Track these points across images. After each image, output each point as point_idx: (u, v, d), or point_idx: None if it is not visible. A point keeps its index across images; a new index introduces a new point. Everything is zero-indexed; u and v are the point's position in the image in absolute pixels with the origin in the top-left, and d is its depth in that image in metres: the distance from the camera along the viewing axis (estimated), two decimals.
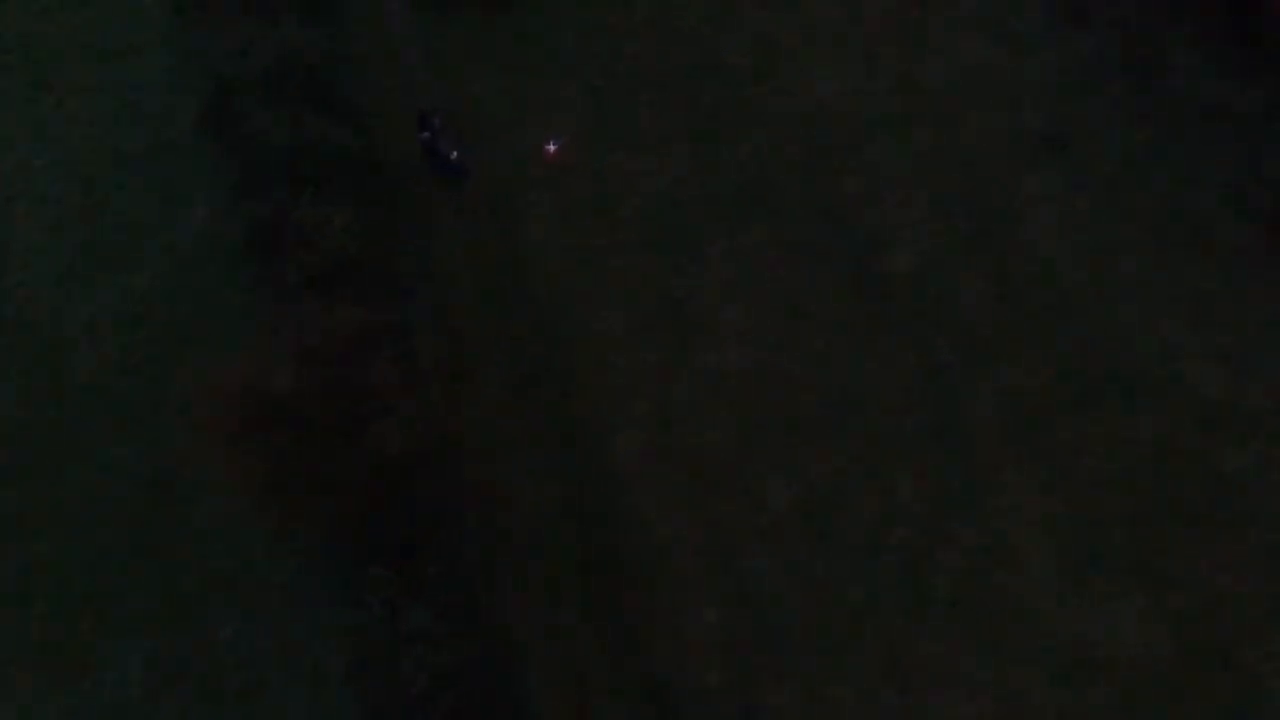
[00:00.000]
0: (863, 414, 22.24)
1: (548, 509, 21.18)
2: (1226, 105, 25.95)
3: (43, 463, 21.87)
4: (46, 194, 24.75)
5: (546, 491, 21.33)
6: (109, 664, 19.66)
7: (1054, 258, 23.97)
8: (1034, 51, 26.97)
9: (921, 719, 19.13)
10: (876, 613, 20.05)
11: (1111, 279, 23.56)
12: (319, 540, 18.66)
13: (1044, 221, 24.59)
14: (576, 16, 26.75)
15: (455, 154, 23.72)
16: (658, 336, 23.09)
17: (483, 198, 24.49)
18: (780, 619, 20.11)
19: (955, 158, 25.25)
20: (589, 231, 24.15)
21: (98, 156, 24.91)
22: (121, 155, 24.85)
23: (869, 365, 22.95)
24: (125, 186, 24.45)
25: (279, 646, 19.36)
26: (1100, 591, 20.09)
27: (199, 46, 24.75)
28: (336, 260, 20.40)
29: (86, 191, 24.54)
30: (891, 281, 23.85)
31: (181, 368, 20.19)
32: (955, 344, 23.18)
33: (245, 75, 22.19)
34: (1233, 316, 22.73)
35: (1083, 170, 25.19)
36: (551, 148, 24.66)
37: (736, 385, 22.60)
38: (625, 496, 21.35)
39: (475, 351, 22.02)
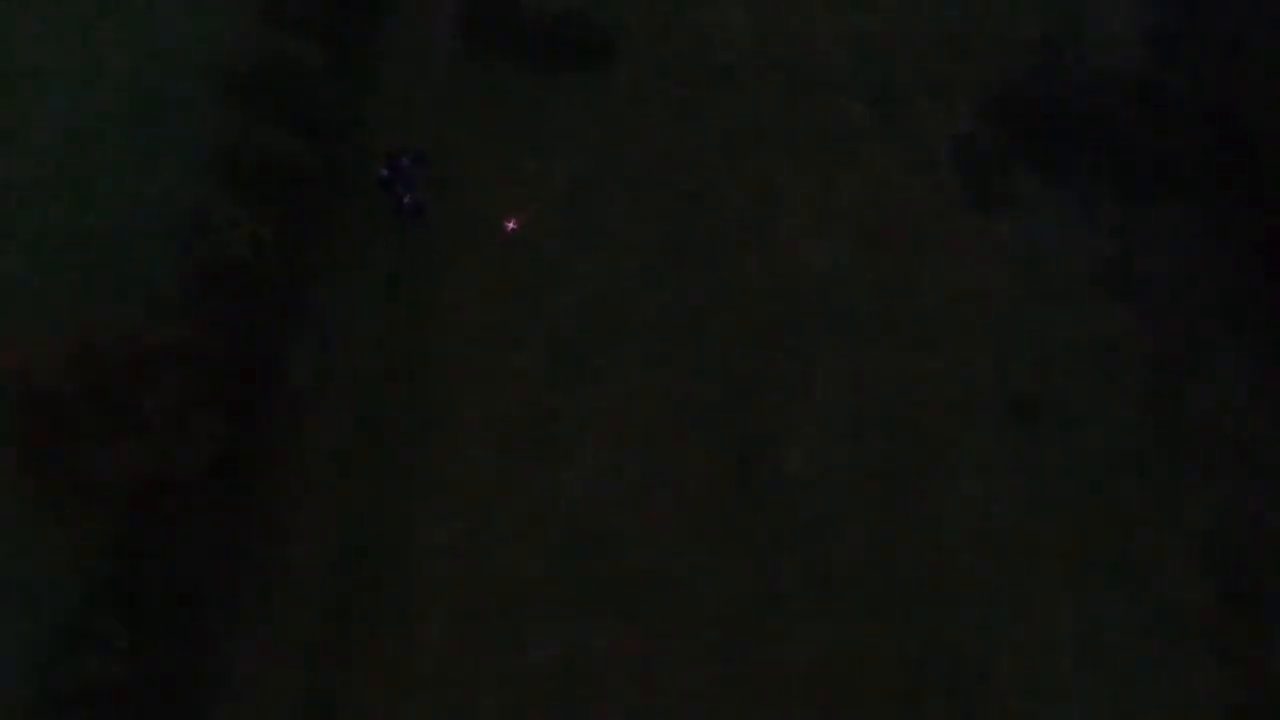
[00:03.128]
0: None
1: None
2: (1242, 448, 22.79)
3: None
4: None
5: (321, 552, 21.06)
6: None
7: (959, 544, 21.69)
8: (1061, 304, 24.50)
9: None
10: None
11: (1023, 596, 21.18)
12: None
13: (968, 492, 22.20)
14: (613, 103, 26.35)
15: (408, 198, 23.79)
16: (512, 446, 22.33)
17: (420, 248, 24.40)
18: None
19: (903, 387, 23.22)
20: (494, 322, 23.57)
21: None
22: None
23: (710, 562, 21.38)
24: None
25: None
26: None
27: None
28: (229, 260, 20.81)
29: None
30: (778, 481, 22.17)
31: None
32: (804, 574, 21.28)
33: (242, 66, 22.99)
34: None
35: (1036, 452, 22.64)
36: (512, 224, 24.39)
37: (567, 510, 21.67)
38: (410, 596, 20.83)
39: (316, 394, 22.04)
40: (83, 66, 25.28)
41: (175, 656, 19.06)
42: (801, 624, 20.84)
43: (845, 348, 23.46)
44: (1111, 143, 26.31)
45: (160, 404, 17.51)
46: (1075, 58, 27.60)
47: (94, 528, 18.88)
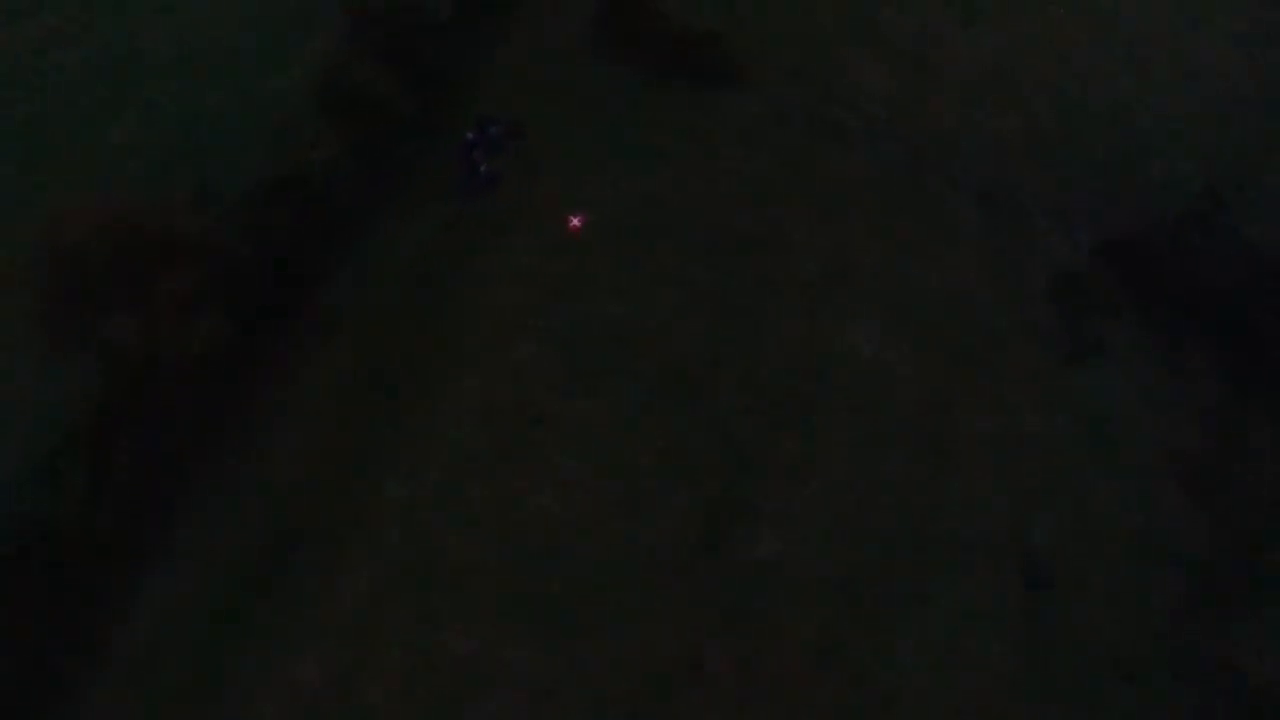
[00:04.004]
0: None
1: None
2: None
3: None
4: None
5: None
6: None
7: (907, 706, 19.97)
8: (1117, 473, 22.28)
9: None
10: None
11: None
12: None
13: (938, 648, 20.35)
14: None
15: (484, 166, 23.95)
16: (495, 434, 22.07)
17: (477, 218, 24.45)
18: None
19: (908, 506, 21.56)
20: (518, 307, 22.96)
21: None
22: None
23: (649, 611, 20.51)
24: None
25: None
26: None
27: None
28: (297, 175, 21.56)
29: None
30: (744, 557, 21.03)
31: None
32: (734, 661, 20.05)
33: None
34: None
35: (1032, 627, 20.54)
36: (577, 221, 24.18)
37: (530, 514, 21.23)
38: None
39: (332, 327, 22.37)
40: None
41: (122, 518, 19.79)
42: (712, 712, 19.70)
43: (859, 445, 22.02)
44: (1235, 324, 23.71)
45: (172, 289, 18.19)
46: (1229, 222, 25.03)
47: (89, 384, 19.86)
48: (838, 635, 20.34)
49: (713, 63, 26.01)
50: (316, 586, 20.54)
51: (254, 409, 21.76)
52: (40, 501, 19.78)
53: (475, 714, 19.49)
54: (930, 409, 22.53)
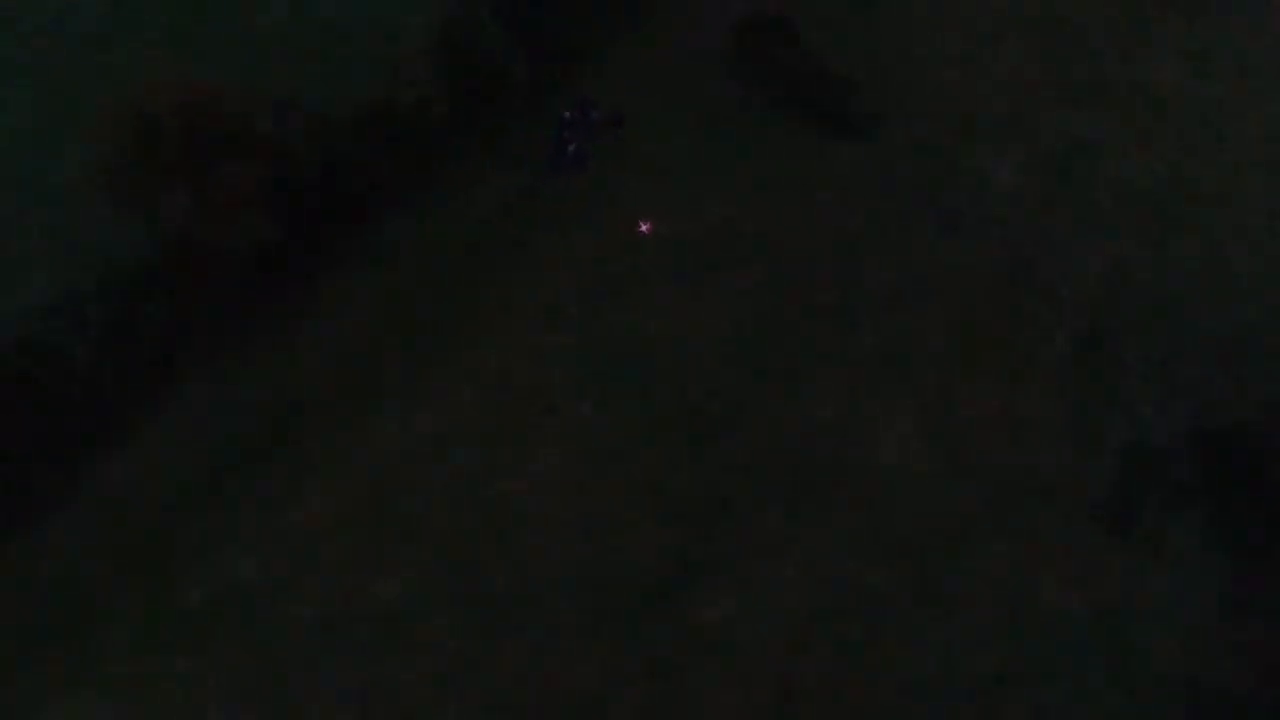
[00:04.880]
0: None
1: None
2: None
3: None
4: None
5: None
6: None
7: None
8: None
9: None
10: None
11: None
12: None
13: None
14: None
15: (574, 146, 23.37)
16: (484, 410, 21.58)
17: (553, 195, 23.82)
18: None
19: (871, 602, 19.70)
20: (550, 304, 22.49)
21: None
22: None
23: (571, 629, 19.65)
24: None
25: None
26: None
27: None
28: (394, 107, 21.70)
29: None
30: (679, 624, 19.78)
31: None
32: (636, 699, 18.88)
33: None
34: None
35: None
36: (646, 227, 23.38)
37: (493, 494, 20.72)
38: None
39: (380, 264, 22.33)
40: None
41: (128, 372, 20.40)
42: None
43: (847, 547, 20.39)
44: None
45: (228, 179, 18.45)
46: None
47: (136, 246, 20.54)
48: None
49: (841, 109, 24.46)
50: (282, 499, 20.68)
51: (285, 313, 22.08)
52: (59, 334, 20.58)
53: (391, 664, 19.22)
54: (938, 536, 20.54)
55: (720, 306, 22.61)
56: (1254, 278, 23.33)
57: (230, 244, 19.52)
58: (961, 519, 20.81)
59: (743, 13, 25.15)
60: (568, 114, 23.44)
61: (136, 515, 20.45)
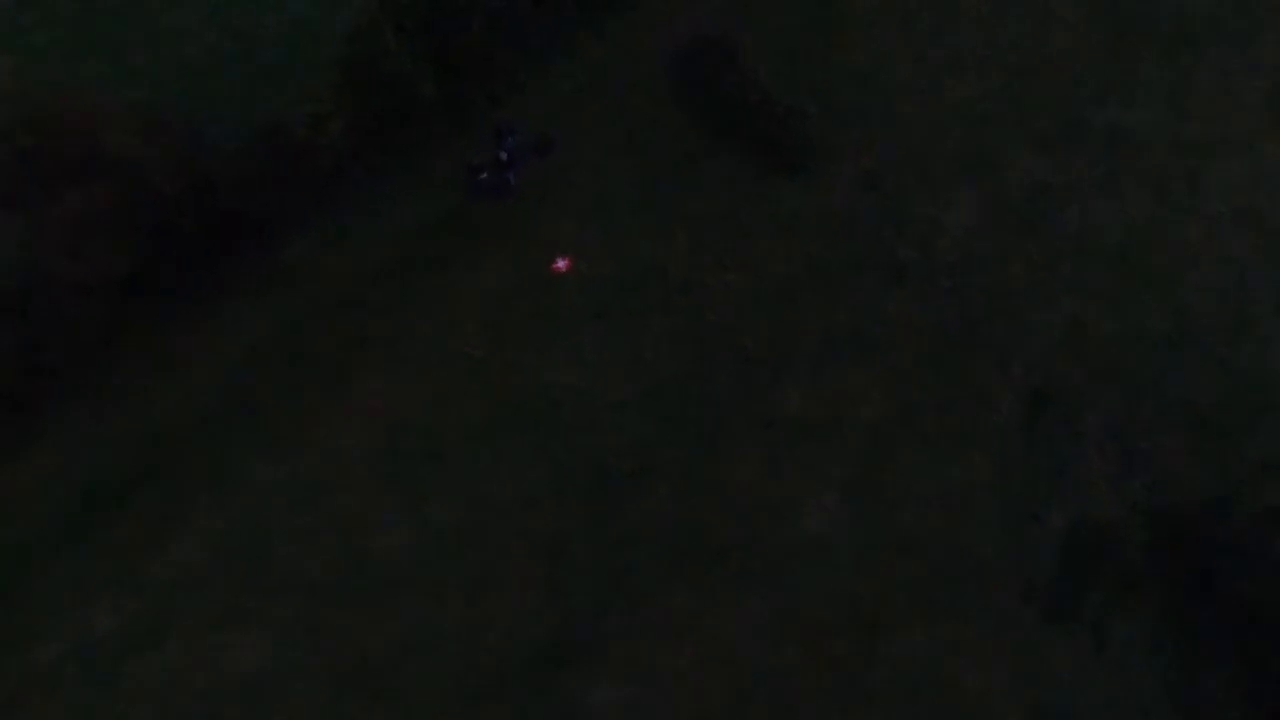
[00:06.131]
0: None
1: None
2: None
3: None
4: None
5: None
6: None
7: None
8: None
9: None
10: None
11: None
12: None
13: None
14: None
15: (485, 175, 21.78)
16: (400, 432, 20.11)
17: (473, 213, 22.22)
18: None
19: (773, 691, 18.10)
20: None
21: None
22: None
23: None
24: None
25: None
26: None
27: None
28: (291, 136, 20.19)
29: None
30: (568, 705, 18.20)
31: None
32: None
33: None
34: None
35: None
36: (562, 264, 21.73)
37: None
38: None
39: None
40: None
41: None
42: None
43: (760, 627, 18.78)
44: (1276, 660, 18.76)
45: (79, 209, 17.05)
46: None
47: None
48: None
49: (788, 143, 22.72)
50: (146, 545, 19.22)
51: (160, 342, 20.55)
52: None
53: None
54: (859, 617, 18.86)
55: (637, 354, 20.91)
56: (1223, 343, 21.48)
57: (74, 275, 17.99)
58: (885, 599, 19.12)
59: (684, 37, 23.45)
60: (500, 136, 21.83)
61: None
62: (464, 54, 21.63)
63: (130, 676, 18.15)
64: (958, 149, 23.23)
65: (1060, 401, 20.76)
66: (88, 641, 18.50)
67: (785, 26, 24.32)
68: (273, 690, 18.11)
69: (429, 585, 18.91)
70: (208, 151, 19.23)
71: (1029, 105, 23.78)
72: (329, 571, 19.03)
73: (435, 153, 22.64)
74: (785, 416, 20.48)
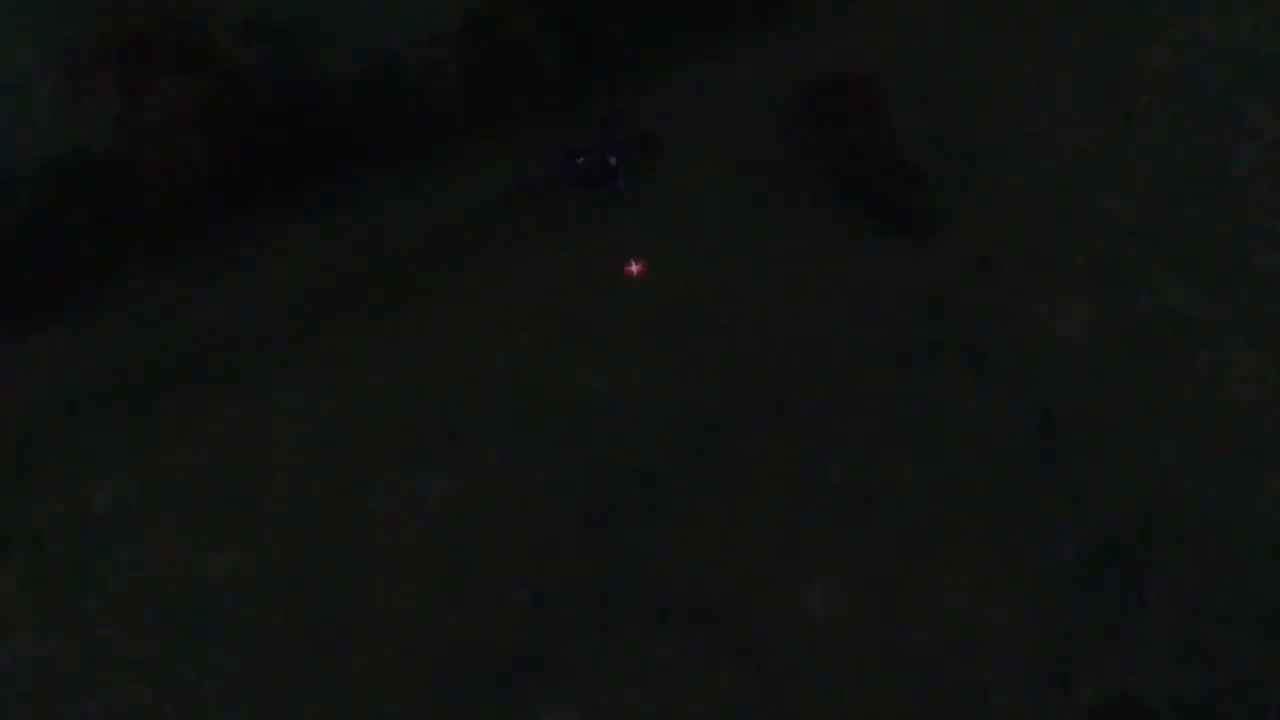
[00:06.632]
0: None
1: None
2: None
3: None
4: None
5: None
6: None
7: None
8: None
9: None
10: None
11: None
12: None
13: None
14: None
15: (582, 159, 21.02)
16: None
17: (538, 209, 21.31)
18: None
19: None
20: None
21: None
22: None
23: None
24: None
25: None
26: None
27: None
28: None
29: None
30: None
31: None
32: None
33: None
34: None
35: None
36: (634, 268, 20.71)
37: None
38: None
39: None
40: None
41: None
42: None
43: (713, 689, 17.00)
44: None
45: (174, 99, 17.13)
46: None
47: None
48: None
49: (902, 205, 20.99)
50: (157, 438, 19.25)
51: (227, 245, 20.66)
52: None
53: None
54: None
55: (682, 380, 19.61)
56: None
57: (159, 161, 18.07)
58: (868, 716, 17.07)
59: (823, 68, 22.01)
60: (606, 133, 21.08)
61: None
62: (594, 35, 20.90)
63: (114, 558, 18.13)
64: (1091, 255, 20.91)
65: (1131, 559, 18.18)
66: (83, 514, 18.64)
67: (940, 84, 22.64)
68: (230, 612, 17.71)
69: (408, 561, 18.12)
70: (316, 72, 19.07)
71: (1187, 228, 21.23)
72: (313, 520, 18.58)
73: (537, 127, 22.07)
74: (820, 488, 18.72)
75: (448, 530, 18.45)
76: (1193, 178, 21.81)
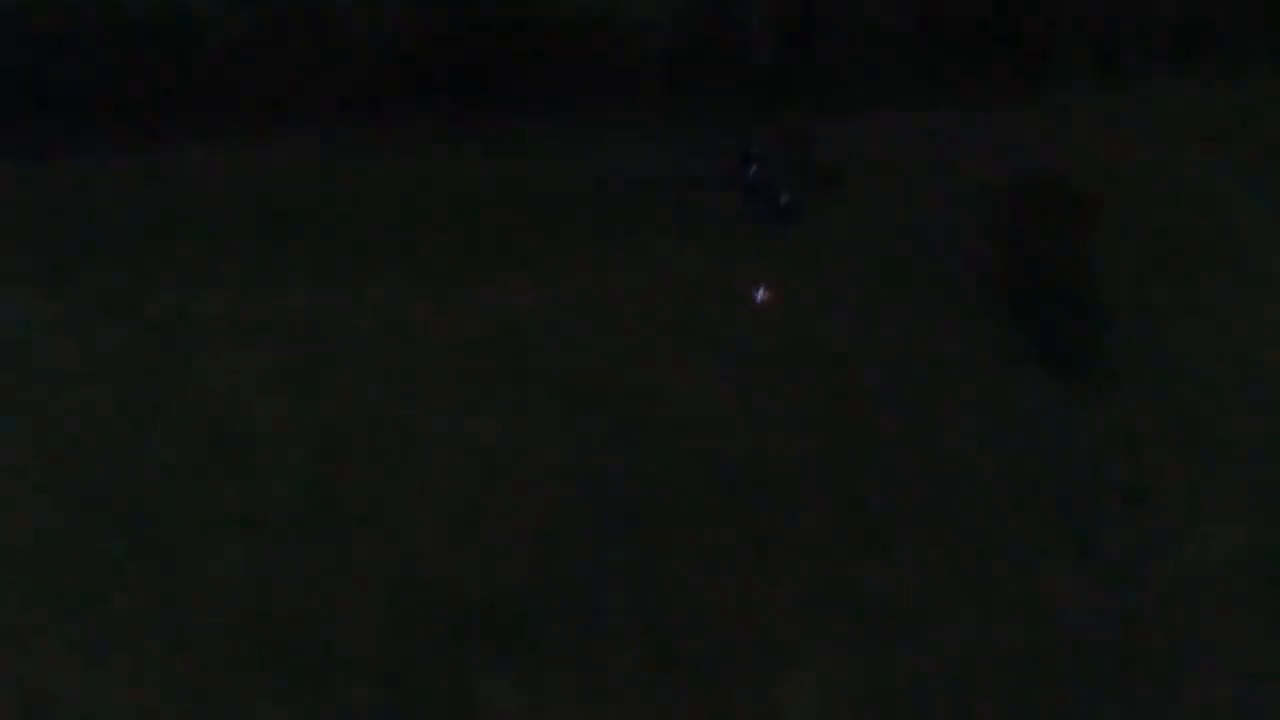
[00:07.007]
0: None
1: None
2: None
3: None
4: None
5: None
6: None
7: None
8: None
9: None
10: None
11: None
12: None
13: None
14: None
15: (753, 172, 19.33)
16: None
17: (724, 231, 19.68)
18: None
19: None
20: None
21: None
22: None
23: None
24: None
25: None
26: None
27: None
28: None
29: None
30: None
31: None
32: None
33: None
34: None
35: None
36: (761, 294, 19.06)
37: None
38: None
39: None
40: None
41: None
42: None
43: None
44: None
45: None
46: None
47: None
48: None
49: (1067, 348, 18.51)
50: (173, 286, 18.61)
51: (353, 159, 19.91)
52: None
53: None
54: None
55: (733, 419, 17.90)
56: None
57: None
58: None
59: (1043, 166, 19.47)
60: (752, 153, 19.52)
61: None
62: (818, 48, 19.10)
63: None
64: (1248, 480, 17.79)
65: None
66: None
67: (1162, 228, 19.75)
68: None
69: (407, 514, 16.86)
70: None
71: None
72: (313, 441, 17.34)
73: (724, 122, 20.41)
74: (859, 607, 16.51)
75: (458, 490, 17.08)
76: None
